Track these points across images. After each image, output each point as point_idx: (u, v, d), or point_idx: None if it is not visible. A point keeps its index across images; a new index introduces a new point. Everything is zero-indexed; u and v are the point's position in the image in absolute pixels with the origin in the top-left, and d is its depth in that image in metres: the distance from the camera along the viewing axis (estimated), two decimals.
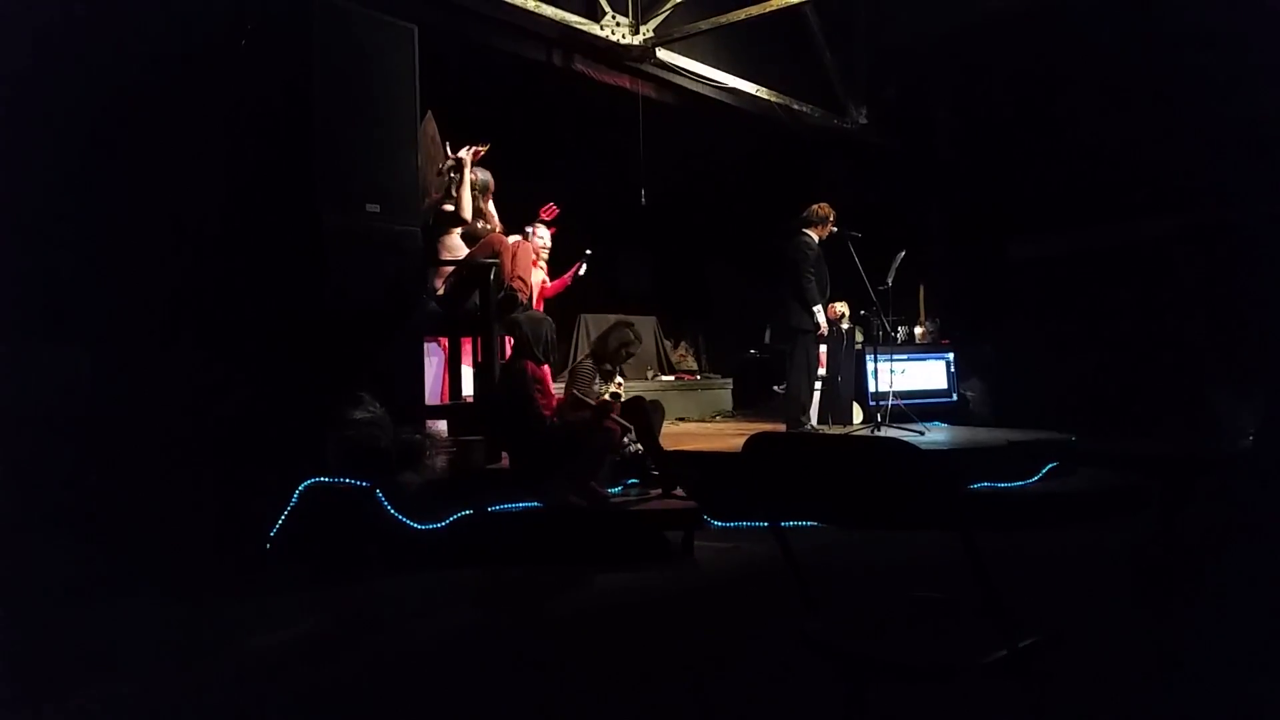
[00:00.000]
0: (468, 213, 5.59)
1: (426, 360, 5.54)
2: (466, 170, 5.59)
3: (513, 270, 5.44)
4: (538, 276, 6.77)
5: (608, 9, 7.28)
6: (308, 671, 3.12)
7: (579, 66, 7.37)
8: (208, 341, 4.71)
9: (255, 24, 4.77)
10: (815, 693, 2.62)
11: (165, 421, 4.58)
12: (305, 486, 4.34)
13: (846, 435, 6.43)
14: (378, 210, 4.90)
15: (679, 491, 5.04)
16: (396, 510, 4.39)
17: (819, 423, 7.31)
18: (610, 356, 5.28)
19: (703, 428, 8.46)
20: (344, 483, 4.36)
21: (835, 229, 6.80)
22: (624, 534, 4.84)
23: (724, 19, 7.54)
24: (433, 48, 5.27)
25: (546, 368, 5.55)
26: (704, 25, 7.57)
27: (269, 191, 4.80)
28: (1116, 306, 8.60)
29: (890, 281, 7.11)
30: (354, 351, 4.74)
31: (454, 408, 5.74)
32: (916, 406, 7.38)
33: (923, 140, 9.94)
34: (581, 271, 7.07)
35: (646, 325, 10.14)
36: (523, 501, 4.71)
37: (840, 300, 7.83)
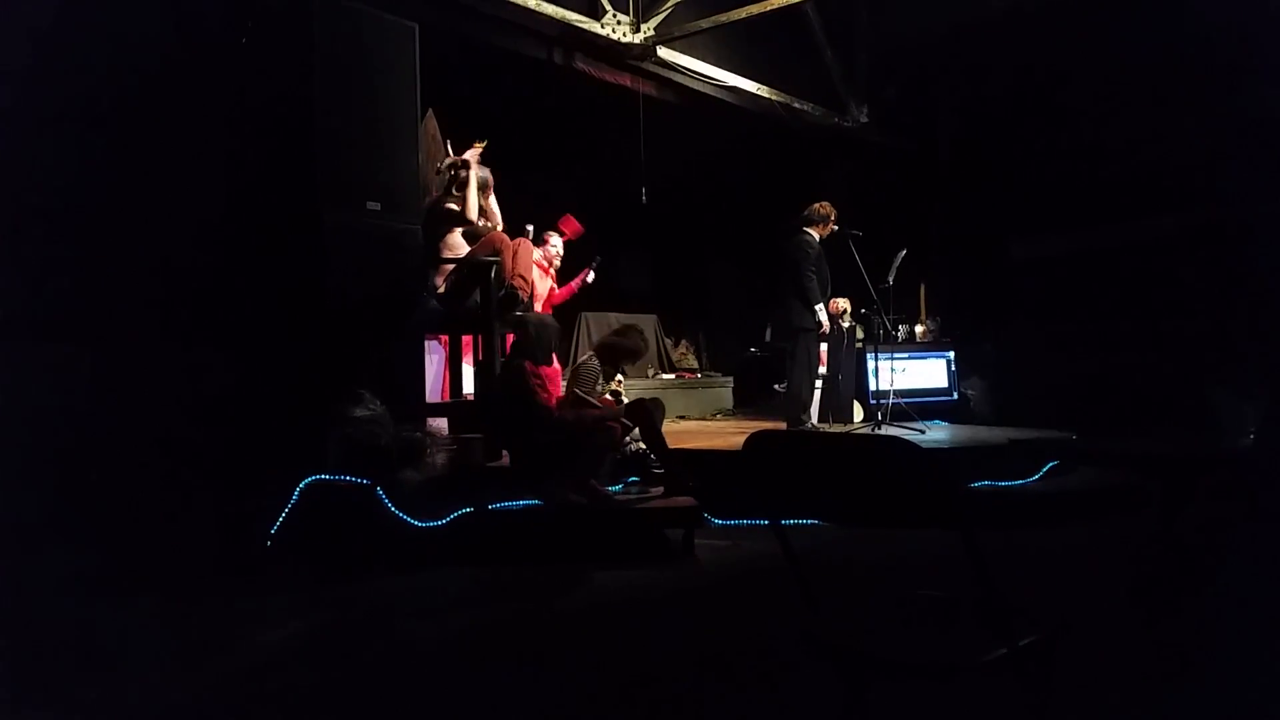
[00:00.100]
0: (473, 212, 5.60)
1: (427, 358, 5.54)
2: (474, 170, 5.60)
3: (514, 268, 5.45)
4: (546, 284, 6.79)
5: (608, 7, 7.27)
6: (308, 670, 3.13)
7: (580, 65, 7.37)
8: (208, 339, 4.71)
9: (256, 22, 4.77)
10: (815, 691, 2.63)
11: (165, 419, 4.58)
12: (305, 484, 4.34)
13: (847, 433, 6.43)
14: (378, 208, 4.91)
15: (684, 493, 5.04)
16: (397, 508, 4.39)
17: (819, 421, 7.31)
18: (617, 361, 5.29)
19: (703, 426, 8.46)
20: (344, 480, 4.36)
21: (836, 228, 6.80)
22: (624, 532, 4.84)
23: (725, 17, 7.54)
24: (433, 46, 5.27)
25: (556, 368, 5.56)
26: (705, 24, 7.56)
27: (270, 189, 4.80)
28: (1117, 305, 8.59)
29: (891, 280, 7.11)
30: (354, 349, 4.75)
31: (454, 405, 5.75)
32: (917, 405, 7.38)
33: (924, 139, 9.94)
34: (589, 279, 7.10)
35: (647, 323, 10.14)
36: (523, 499, 4.72)
37: (841, 298, 7.84)
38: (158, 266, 4.73)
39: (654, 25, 7.46)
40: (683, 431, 7.49)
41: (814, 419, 7.16)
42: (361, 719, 2.74)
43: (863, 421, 7.51)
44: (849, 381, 7.68)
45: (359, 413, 4.46)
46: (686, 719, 2.72)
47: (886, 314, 7.42)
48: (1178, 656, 3.04)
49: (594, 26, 7.19)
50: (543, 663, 3.20)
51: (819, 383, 7.43)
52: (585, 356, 5.44)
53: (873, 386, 7.35)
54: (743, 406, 10.05)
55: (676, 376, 10.16)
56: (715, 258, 11.23)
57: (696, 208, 10.38)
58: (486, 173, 5.81)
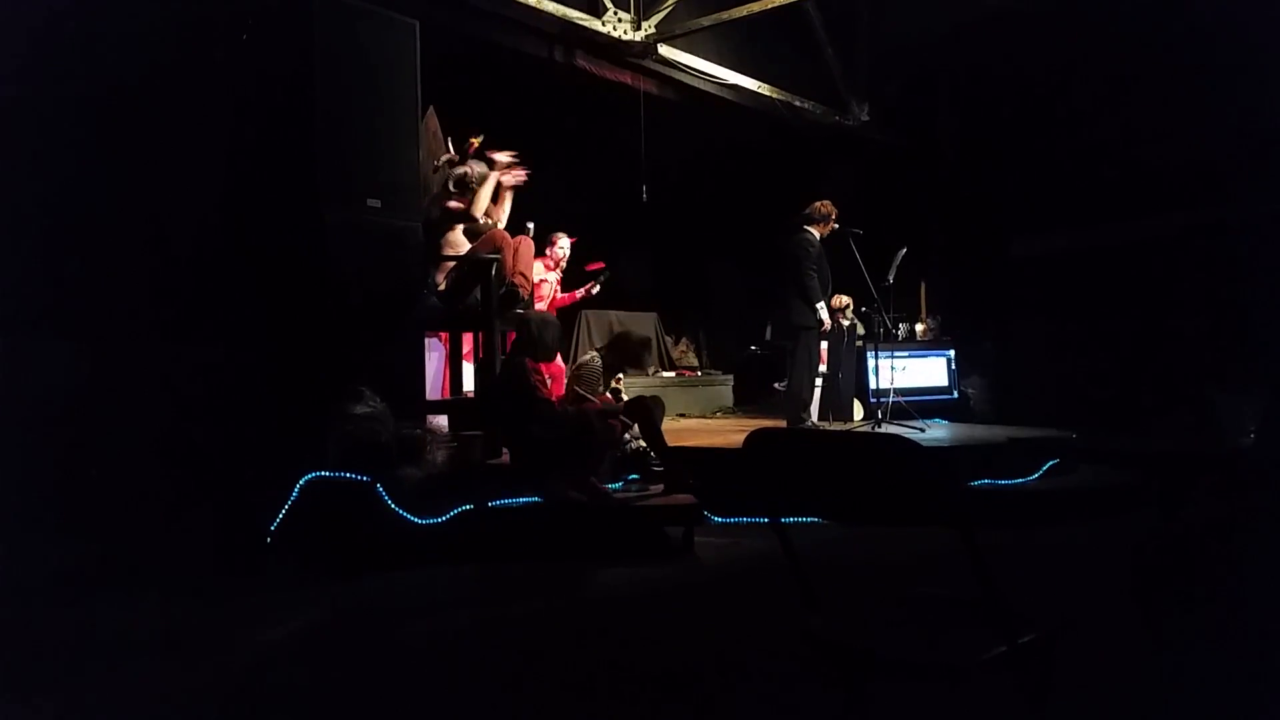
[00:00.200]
0: (480, 210, 5.61)
1: (427, 355, 5.55)
2: (501, 176, 5.65)
3: (514, 266, 5.45)
4: (552, 281, 6.80)
5: (609, 5, 7.27)
6: (308, 667, 3.13)
7: (580, 62, 7.36)
8: (208, 336, 4.71)
9: (256, 19, 4.77)
10: (816, 689, 2.63)
11: (166, 416, 4.58)
12: (306, 481, 4.34)
13: (847, 432, 6.43)
14: (379, 205, 4.90)
15: (685, 490, 5.04)
16: (397, 505, 4.39)
17: (820, 419, 7.31)
18: (622, 363, 5.31)
19: (704, 424, 8.47)
20: (345, 477, 4.36)
21: (837, 226, 6.81)
22: (624, 529, 4.84)
23: (726, 15, 7.53)
24: (434, 43, 5.27)
25: (560, 365, 5.56)
26: (705, 21, 7.56)
27: (270, 186, 4.80)
28: (1118, 304, 8.59)
29: (891, 279, 7.11)
30: (355, 346, 4.75)
31: (455, 403, 5.75)
32: (917, 403, 7.38)
33: (925, 137, 9.93)
34: (595, 291, 7.13)
35: (647, 321, 10.15)
36: (523, 497, 4.72)
37: (837, 297, 7.85)
38: (158, 263, 4.73)
39: (655, 23, 7.45)
40: (683, 429, 7.49)
41: (814, 417, 7.16)
42: (361, 716, 2.74)
43: (863, 420, 7.52)
44: (849, 380, 7.68)
45: (359, 410, 4.46)
46: (686, 717, 2.72)
47: (887, 312, 7.42)
48: (1178, 656, 3.04)
49: (595, 24, 7.19)
50: (542, 660, 3.20)
51: (819, 381, 7.44)
52: (588, 356, 5.44)
53: (873, 385, 7.35)
54: (743, 405, 10.05)
55: (677, 374, 10.16)
56: (715, 256, 11.23)
57: (697, 206, 10.37)
58: (484, 168, 5.81)
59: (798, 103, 9.01)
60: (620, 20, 7.33)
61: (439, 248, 5.57)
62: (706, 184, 10.05)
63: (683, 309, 11.15)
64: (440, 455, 4.96)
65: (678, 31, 7.54)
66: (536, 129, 8.10)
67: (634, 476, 5.32)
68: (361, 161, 4.87)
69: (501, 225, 5.87)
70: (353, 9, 4.87)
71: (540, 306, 6.43)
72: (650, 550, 4.71)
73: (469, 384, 5.94)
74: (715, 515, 5.18)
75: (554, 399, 5.10)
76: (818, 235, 6.75)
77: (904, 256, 7.19)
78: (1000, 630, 1.70)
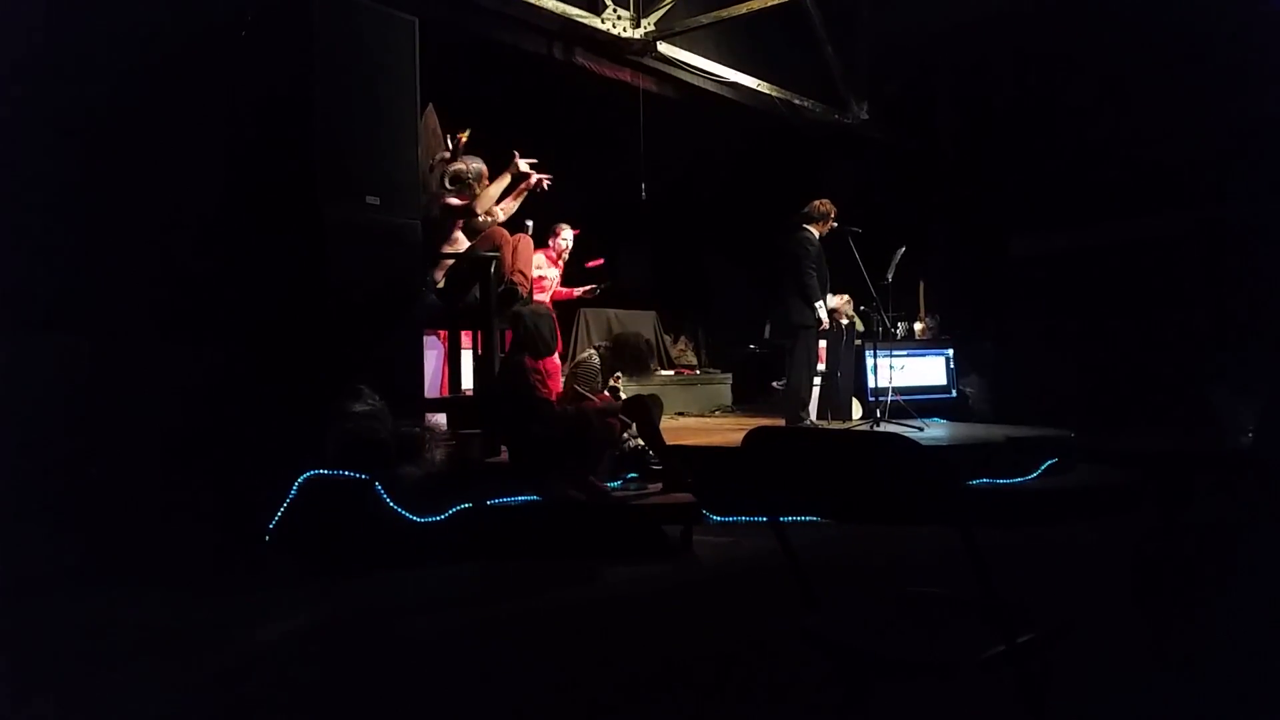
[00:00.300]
0: (484, 207, 5.61)
1: (426, 353, 5.54)
2: (529, 181, 5.67)
3: (513, 264, 5.44)
4: (554, 274, 6.80)
5: (609, 2, 7.26)
6: (306, 665, 3.12)
7: (580, 60, 7.36)
8: (207, 333, 4.70)
9: (255, 16, 4.76)
10: (815, 688, 2.63)
11: (164, 413, 4.58)
12: (304, 479, 4.34)
13: (846, 431, 6.43)
14: (378, 203, 4.90)
15: (683, 489, 5.04)
16: (395, 503, 4.38)
17: (818, 418, 7.31)
18: (622, 364, 5.30)
19: (702, 423, 8.47)
20: (343, 475, 4.36)
21: (836, 225, 6.80)
22: (622, 528, 4.84)
23: (725, 13, 7.53)
24: (433, 40, 5.26)
25: (555, 361, 5.55)
26: (705, 19, 7.55)
27: (269, 183, 4.79)
28: (1117, 303, 8.60)
29: (890, 277, 7.11)
30: (354, 344, 4.74)
31: (453, 401, 5.74)
32: (916, 402, 7.38)
33: (924, 136, 9.94)
34: (593, 295, 7.12)
35: (646, 320, 10.15)
36: (522, 495, 4.71)
37: (841, 294, 7.85)
38: (157, 260, 4.72)
39: (654, 20, 7.45)
40: (682, 428, 7.49)
41: (813, 416, 7.16)
42: (360, 715, 2.73)
43: (861, 419, 7.52)
44: (848, 379, 7.68)
45: (358, 408, 4.46)
46: (685, 716, 2.72)
47: (886, 311, 7.42)
48: (1178, 655, 3.04)
49: (594, 21, 7.18)
50: (541, 658, 3.20)
51: (818, 380, 7.43)
52: (587, 354, 5.43)
53: (872, 384, 7.35)
54: (741, 403, 10.05)
55: (675, 373, 10.16)
56: (714, 254, 11.22)
57: (696, 204, 10.37)
58: (480, 164, 5.80)
59: (797, 101, 9.01)
60: (620, 18, 7.32)
61: (438, 245, 5.56)
62: (705, 182, 10.04)
63: (681, 307, 11.15)
64: (439, 453, 4.95)
65: (677, 29, 7.54)
66: (535, 127, 8.09)
67: (633, 475, 5.32)
68: (361, 159, 4.87)
69: (502, 221, 5.86)
70: (352, 6, 4.86)
71: (541, 299, 6.43)
72: (649, 549, 4.71)
73: (468, 382, 5.93)
74: (714, 514, 5.17)
75: (552, 396, 5.09)
76: (817, 234, 6.75)
77: (903, 255, 7.18)
78: (999, 629, 1.69)
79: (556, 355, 5.99)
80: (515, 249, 5.50)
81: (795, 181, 8.95)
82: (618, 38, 7.32)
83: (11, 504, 4.04)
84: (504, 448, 5.15)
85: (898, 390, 7.30)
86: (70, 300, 4.53)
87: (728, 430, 7.29)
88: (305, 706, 2.81)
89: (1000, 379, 8.35)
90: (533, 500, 4.71)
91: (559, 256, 6.85)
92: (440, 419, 5.56)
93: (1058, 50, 8.53)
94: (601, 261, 7.13)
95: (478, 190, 5.71)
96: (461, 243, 5.65)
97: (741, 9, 7.47)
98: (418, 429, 4.89)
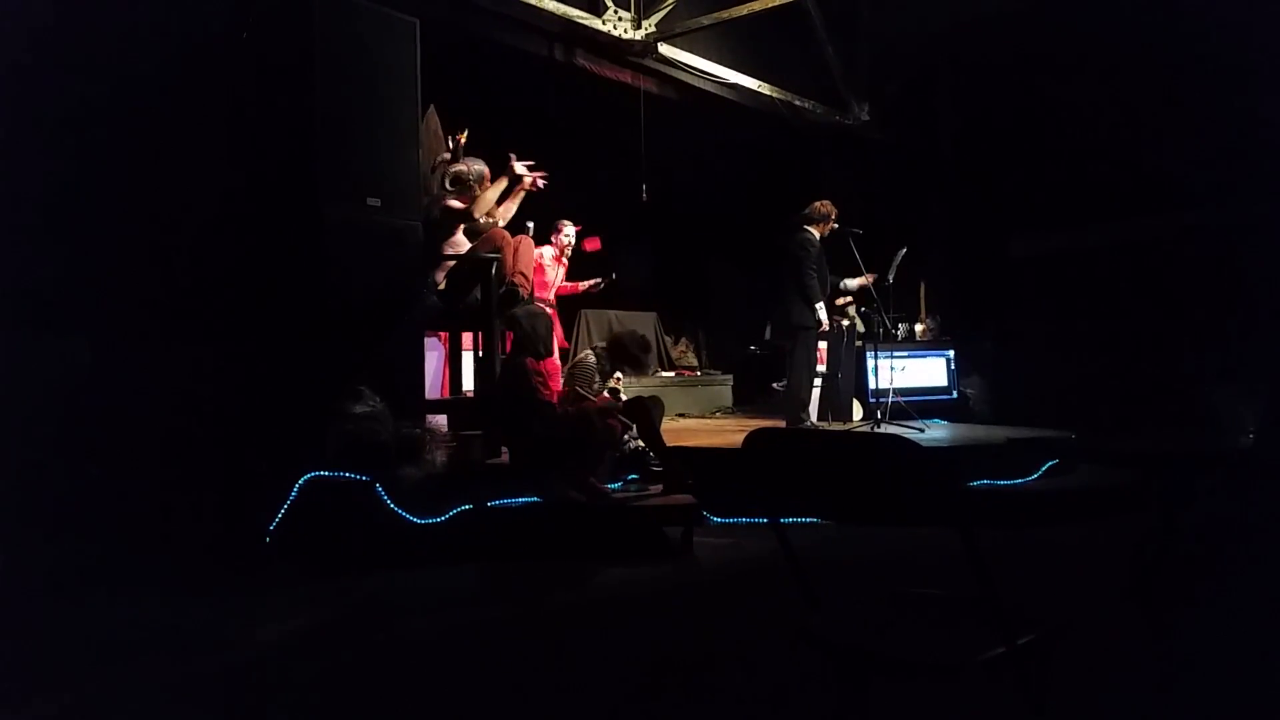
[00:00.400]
0: (481, 210, 5.61)
1: (427, 354, 5.54)
2: (524, 183, 5.65)
3: (514, 266, 5.44)
4: (560, 272, 6.79)
5: (610, 4, 7.27)
6: (306, 666, 3.12)
7: (581, 61, 7.36)
8: (208, 335, 4.70)
9: (257, 17, 4.76)
10: (815, 689, 2.63)
11: (165, 414, 4.58)
12: (305, 480, 4.34)
13: (846, 432, 6.43)
14: (379, 204, 4.90)
15: (683, 490, 5.04)
16: (396, 504, 4.39)
17: (819, 419, 7.31)
18: (620, 363, 5.30)
19: (703, 424, 8.47)
20: (344, 477, 4.36)
21: (836, 226, 6.80)
22: (623, 529, 4.84)
23: (726, 14, 7.54)
24: (434, 42, 5.27)
25: (555, 361, 5.55)
26: (706, 21, 7.56)
27: (270, 184, 4.79)
28: (1117, 304, 8.59)
29: (891, 278, 7.11)
30: (354, 345, 4.74)
31: (454, 402, 5.74)
32: (916, 403, 7.38)
33: (924, 137, 9.93)
34: (597, 290, 7.11)
35: (647, 321, 10.15)
36: (522, 497, 4.71)
37: (840, 296, 7.85)
38: (158, 261, 4.72)
39: (655, 22, 7.45)
40: (682, 429, 7.49)
41: (813, 417, 7.16)
42: (360, 716, 2.74)
43: (862, 420, 7.52)
44: (849, 380, 7.68)
45: (359, 409, 4.46)
46: (685, 716, 2.72)
47: (886, 312, 7.42)
48: (1178, 656, 3.03)
49: (595, 23, 7.19)
50: (541, 660, 3.20)
51: (818, 381, 7.43)
52: (583, 354, 5.43)
53: (872, 385, 7.35)
54: (742, 405, 10.05)
55: (676, 374, 10.16)
56: (715, 256, 11.22)
57: (697, 205, 10.37)
58: (482, 166, 5.81)
59: (798, 102, 9.01)
60: (620, 19, 7.33)
61: (439, 247, 5.56)
62: (706, 183, 10.04)
63: (682, 308, 11.15)
64: (439, 455, 4.96)
65: (678, 30, 7.54)
66: (536, 128, 8.10)
67: (633, 477, 5.32)
68: (361, 160, 4.87)
69: (503, 224, 5.86)
70: (353, 7, 4.87)
71: (545, 295, 6.43)
72: (649, 550, 4.71)
73: (469, 383, 5.93)
74: (714, 515, 5.17)
75: (554, 397, 5.09)
76: (817, 235, 6.75)
77: (904, 256, 7.18)
78: (999, 630, 1.69)
79: (556, 357, 6.00)
80: (516, 250, 5.50)
81: (796, 182, 8.96)
82: (618, 39, 7.33)
83: (12, 504, 4.04)
84: (505, 449, 5.15)
85: (898, 391, 7.30)
86: (71, 300, 4.53)
87: (728, 432, 7.29)
88: (305, 707, 2.81)
89: (1001, 380, 8.35)
90: (533, 501, 4.71)
91: (562, 253, 6.84)
92: (441, 420, 5.56)
93: (1058, 51, 8.53)
94: (599, 243, 7.06)
95: (478, 192, 5.72)
96: (462, 244, 5.65)
97: (742, 10, 7.48)
98: (418, 430, 4.89)
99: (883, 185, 9.59)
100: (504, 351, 5.31)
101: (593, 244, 6.96)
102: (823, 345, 7.47)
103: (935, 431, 6.91)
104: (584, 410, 4.91)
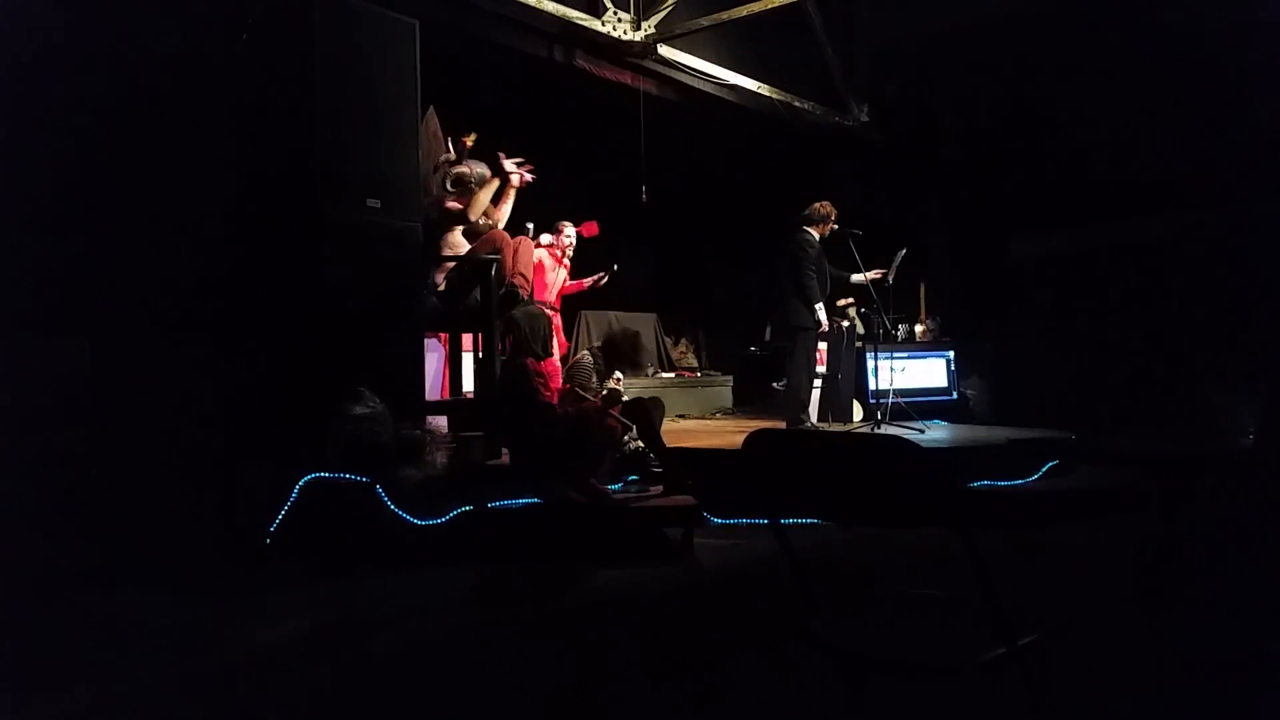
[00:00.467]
0: (476, 214, 5.60)
1: (427, 356, 5.54)
2: (512, 180, 5.64)
3: (514, 267, 5.45)
4: (561, 274, 6.79)
5: (609, 5, 7.27)
6: (306, 667, 3.12)
7: (580, 62, 7.36)
8: (208, 336, 4.71)
9: (256, 19, 4.76)
10: (815, 690, 2.63)
11: (166, 415, 4.58)
12: (305, 482, 4.34)
13: (846, 433, 6.43)
14: (379, 205, 4.90)
15: (684, 491, 5.04)
16: (396, 506, 4.39)
17: (819, 420, 7.31)
18: (613, 361, 5.31)
19: (703, 425, 8.47)
20: (344, 478, 4.36)
21: (836, 227, 6.80)
22: (623, 530, 4.84)
23: (725, 15, 7.53)
24: (434, 43, 5.27)
25: (555, 362, 5.55)
26: (705, 22, 7.56)
27: (270, 186, 4.80)
28: (1117, 305, 8.59)
29: (891, 279, 7.11)
30: (354, 347, 4.75)
31: (454, 403, 5.74)
32: (916, 404, 7.38)
33: (924, 137, 9.93)
34: (602, 283, 7.10)
35: (646, 322, 10.15)
36: (523, 497, 4.71)
37: (843, 298, 7.86)
38: (158, 263, 4.73)
39: (655, 23, 7.45)
40: (682, 430, 7.49)
41: (813, 418, 7.16)
42: (360, 717, 2.74)
43: (862, 421, 7.52)
44: (849, 381, 7.68)
45: (359, 410, 4.46)
46: (686, 718, 2.72)
47: (886, 313, 7.42)
48: (1178, 656, 3.04)
49: (594, 24, 7.19)
50: (542, 661, 3.20)
51: (818, 382, 7.43)
52: (580, 354, 5.45)
53: (872, 386, 7.35)
54: (742, 405, 10.05)
55: (676, 375, 10.16)
56: (715, 256, 11.23)
57: (697, 206, 10.37)
58: (484, 169, 5.81)
59: (797, 103, 9.01)
60: (620, 20, 7.33)
61: (438, 248, 5.56)
62: (706, 184, 10.04)
63: (682, 309, 11.15)
64: (440, 456, 4.96)
65: (677, 31, 7.54)
66: (536, 129, 8.10)
67: (633, 478, 5.32)
68: (361, 161, 4.87)
69: (501, 225, 5.87)
70: (353, 9, 4.87)
71: (547, 297, 6.43)
72: (650, 551, 4.71)
73: (469, 384, 5.93)
74: (714, 516, 5.17)
75: (554, 398, 5.09)
76: (817, 236, 6.75)
77: (903, 257, 7.18)
78: (999, 631, 1.70)
79: (557, 358, 6.00)
80: (515, 251, 5.50)
81: (795, 183, 8.96)
82: (618, 40, 7.33)
83: (14, 505, 4.04)
84: (505, 450, 5.15)
85: (898, 392, 7.30)
86: (72, 303, 4.53)
87: (729, 433, 7.29)
88: (306, 708, 2.81)
89: (1001, 381, 8.35)
90: (534, 503, 4.71)
91: (563, 254, 6.84)
92: (441, 421, 5.57)
93: (1057, 51, 8.53)
94: (596, 227, 7.03)
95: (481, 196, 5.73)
96: (461, 245, 5.65)
97: (742, 11, 7.48)
98: (418, 431, 4.89)
99: (883, 186, 9.59)
100: (504, 353, 5.31)
101: (590, 229, 6.91)
102: (823, 346, 7.48)
103: (935, 432, 6.91)
104: (584, 411, 4.91)
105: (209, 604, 3.80)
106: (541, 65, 7.20)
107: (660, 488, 5.10)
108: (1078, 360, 8.46)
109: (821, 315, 6.62)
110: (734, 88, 8.42)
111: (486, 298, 5.37)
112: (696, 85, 8.18)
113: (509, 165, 5.82)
